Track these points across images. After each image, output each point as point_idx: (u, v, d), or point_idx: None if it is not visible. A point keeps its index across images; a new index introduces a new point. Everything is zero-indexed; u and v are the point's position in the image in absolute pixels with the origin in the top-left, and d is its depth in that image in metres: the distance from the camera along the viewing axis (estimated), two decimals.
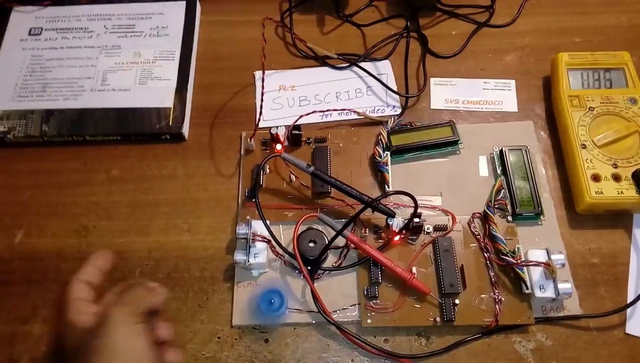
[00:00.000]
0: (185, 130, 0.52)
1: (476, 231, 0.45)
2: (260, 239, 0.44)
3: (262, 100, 0.47)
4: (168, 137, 0.51)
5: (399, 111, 0.52)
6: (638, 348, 0.41)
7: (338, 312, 0.43)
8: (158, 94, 0.53)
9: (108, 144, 0.52)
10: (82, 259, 0.45)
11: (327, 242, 0.44)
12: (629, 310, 0.42)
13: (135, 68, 0.54)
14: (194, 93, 0.54)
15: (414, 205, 0.42)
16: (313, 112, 0.50)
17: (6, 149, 0.52)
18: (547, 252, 0.42)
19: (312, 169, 0.45)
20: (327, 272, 0.44)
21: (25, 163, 0.51)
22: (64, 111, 0.52)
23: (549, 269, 0.40)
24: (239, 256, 0.43)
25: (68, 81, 0.54)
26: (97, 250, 0.37)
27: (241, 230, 0.44)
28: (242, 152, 0.50)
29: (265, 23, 0.48)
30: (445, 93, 0.53)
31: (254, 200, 0.46)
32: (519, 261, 0.42)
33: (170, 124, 0.51)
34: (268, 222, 0.45)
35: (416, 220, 0.43)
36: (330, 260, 0.45)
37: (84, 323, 0.32)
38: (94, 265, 0.36)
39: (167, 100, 0.52)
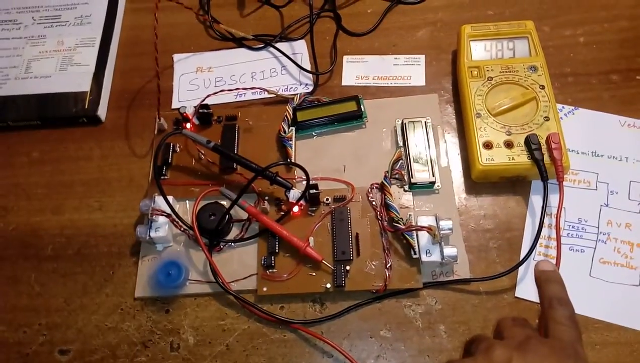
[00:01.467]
0: (102, 112, 0.53)
1: (374, 201, 0.46)
2: (160, 213, 0.45)
3: (158, 78, 0.47)
4: (85, 120, 0.53)
5: (311, 89, 0.53)
6: (527, 311, 0.42)
7: (237, 282, 0.44)
8: (76, 78, 0.54)
9: (30, 129, 0.54)
10: (0, 238, 0.48)
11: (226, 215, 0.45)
12: (520, 275, 0.43)
13: (57, 55, 0.56)
14: (114, 78, 0.56)
15: (305, 176, 0.43)
16: (221, 90, 0.52)
17: None
18: (436, 218, 0.43)
19: (212, 144, 0.46)
20: (229, 244, 0.46)
21: None
22: None
23: (431, 233, 0.41)
24: (140, 230, 0.45)
25: None
26: None
27: (144, 205, 0.46)
28: (155, 132, 0.52)
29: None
30: (357, 70, 0.54)
31: (164, 177, 0.47)
32: (405, 227, 0.43)
33: (87, 107, 0.53)
34: (172, 197, 0.46)
35: (312, 191, 0.45)
36: (234, 233, 0.46)
37: None
38: None
39: (84, 84, 0.54)
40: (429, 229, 0.41)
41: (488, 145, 0.45)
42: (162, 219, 0.45)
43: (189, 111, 0.50)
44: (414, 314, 0.42)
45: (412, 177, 0.46)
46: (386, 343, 0.41)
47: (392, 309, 0.43)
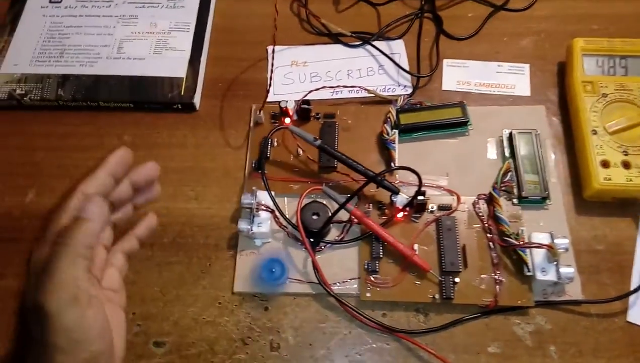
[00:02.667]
0: (197, 100, 0.52)
1: (480, 212, 0.45)
2: (264, 209, 0.44)
3: (271, 71, 0.47)
4: (179, 106, 0.52)
5: (409, 91, 0.52)
6: (639, 337, 0.41)
7: (337, 284, 0.43)
8: (172, 63, 0.53)
9: (121, 111, 0.53)
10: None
11: (330, 215, 0.44)
12: (631, 299, 0.42)
13: (151, 38, 0.55)
14: (207, 65, 0.55)
15: (418, 182, 0.42)
16: (323, 87, 0.50)
17: (23, 111, 0.53)
18: (551, 235, 0.42)
19: (319, 142, 0.45)
20: (329, 245, 0.45)
21: (40, 125, 0.52)
22: (79, 77, 0.53)
23: (552, 252, 0.40)
24: (242, 224, 0.44)
25: (85, 48, 0.55)
26: (116, 150, 0.32)
27: (246, 199, 0.45)
28: (251, 124, 0.51)
29: None
30: (458, 75, 0.53)
31: (260, 171, 0.46)
32: (521, 243, 0.42)
33: (182, 93, 0.52)
34: (273, 193, 0.45)
35: (420, 197, 0.43)
36: (333, 234, 0.45)
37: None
38: (108, 170, 0.31)
39: (180, 70, 0.53)
40: (549, 247, 0.40)
41: (605, 164, 0.44)
42: (264, 214, 0.44)
43: (290, 105, 0.49)
44: (523, 332, 0.41)
45: (522, 191, 0.44)
46: (495, 361, 0.40)
47: (500, 326, 0.42)
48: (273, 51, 0.45)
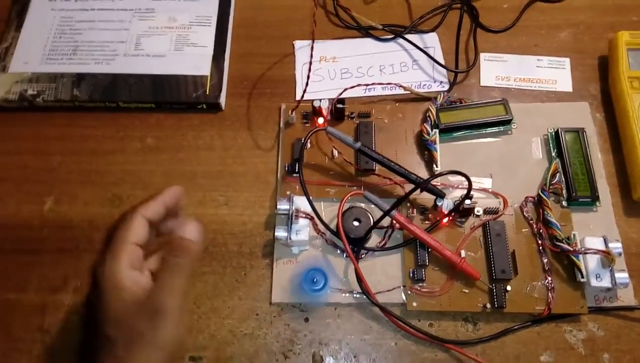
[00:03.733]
0: (223, 100, 0.49)
1: (529, 216, 0.43)
2: (303, 216, 0.42)
3: (309, 70, 0.44)
4: (204, 106, 0.49)
5: (446, 87, 0.50)
6: None
7: (381, 293, 0.41)
8: (194, 61, 0.50)
9: (142, 112, 0.50)
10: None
11: (372, 222, 0.42)
12: None
13: (170, 33, 0.52)
14: (231, 62, 0.52)
15: (466, 186, 0.40)
16: (357, 85, 0.48)
17: (36, 113, 0.50)
18: (605, 240, 0.40)
19: (359, 144, 0.43)
20: (370, 252, 0.43)
21: (56, 128, 0.49)
22: (95, 76, 0.50)
23: (609, 258, 0.39)
24: (280, 232, 0.41)
25: (100, 44, 0.52)
26: (170, 187, 0.37)
27: (282, 205, 0.42)
28: (281, 125, 0.48)
29: None
30: (496, 69, 0.50)
31: (295, 175, 0.44)
32: (575, 248, 0.40)
33: (208, 93, 0.49)
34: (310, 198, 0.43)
35: (467, 202, 0.41)
36: (374, 240, 0.43)
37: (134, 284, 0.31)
38: (163, 202, 0.35)
39: (204, 67, 0.50)
40: (606, 253, 0.39)
41: None
42: (302, 221, 0.42)
43: (324, 105, 0.46)
44: (575, 340, 0.40)
45: (573, 192, 0.43)
46: None
47: (552, 334, 0.40)
48: (312, 48, 0.42)
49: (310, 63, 0.43)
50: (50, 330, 0.41)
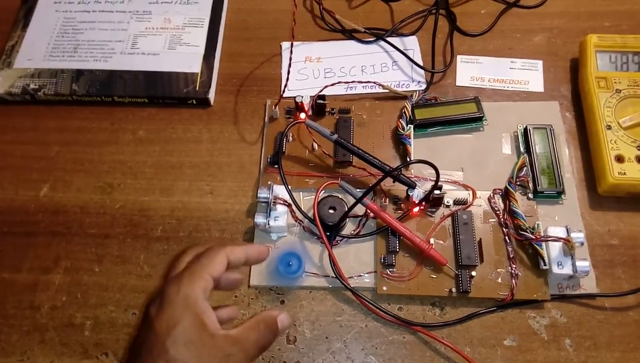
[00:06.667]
0: (212, 95, 0.52)
1: (496, 207, 0.45)
2: (281, 203, 0.44)
3: (289, 65, 0.47)
4: (194, 101, 0.52)
5: (423, 86, 0.52)
6: None
7: (354, 278, 0.43)
8: (186, 59, 0.53)
9: (135, 106, 0.53)
10: (107, 215, 0.48)
11: (346, 209, 0.44)
12: None
13: (165, 33, 0.55)
14: (221, 61, 0.55)
15: (435, 177, 0.42)
16: (338, 82, 0.51)
17: (37, 105, 0.53)
18: (567, 229, 0.42)
19: (335, 136, 0.45)
20: (345, 239, 0.45)
21: (55, 120, 0.53)
22: (93, 72, 0.53)
23: (569, 245, 0.40)
24: (259, 218, 0.44)
25: (99, 43, 0.55)
26: (262, 245, 0.38)
27: (262, 193, 0.45)
28: (266, 119, 0.51)
29: None
30: (472, 71, 0.53)
31: (276, 166, 0.47)
32: (538, 237, 0.42)
33: (197, 89, 0.52)
34: (290, 187, 0.45)
35: (437, 192, 0.44)
36: (349, 228, 0.46)
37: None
38: (246, 252, 0.34)
39: (195, 65, 0.53)
40: (566, 241, 0.41)
41: (620, 159, 0.44)
42: (281, 208, 0.45)
43: (305, 101, 0.49)
44: (538, 326, 0.42)
45: (538, 185, 0.45)
46: (510, 354, 0.41)
47: (516, 319, 0.42)
48: (292, 45, 0.45)
49: (290, 59, 0.46)
50: (40, 307, 0.44)
